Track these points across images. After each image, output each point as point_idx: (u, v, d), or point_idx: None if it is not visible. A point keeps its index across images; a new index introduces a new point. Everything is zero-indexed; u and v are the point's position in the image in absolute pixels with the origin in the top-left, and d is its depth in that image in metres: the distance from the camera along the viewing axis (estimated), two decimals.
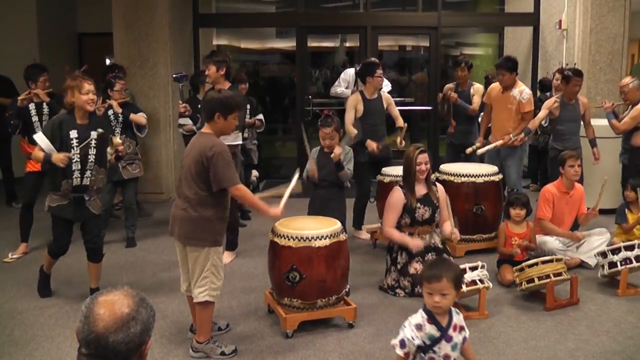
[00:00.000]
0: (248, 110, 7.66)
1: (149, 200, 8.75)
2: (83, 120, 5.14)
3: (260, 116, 7.79)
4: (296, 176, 4.86)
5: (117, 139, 5.35)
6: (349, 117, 7.01)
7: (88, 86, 5.06)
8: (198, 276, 4.36)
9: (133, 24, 8.85)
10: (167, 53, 8.94)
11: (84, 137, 5.09)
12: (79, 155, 5.07)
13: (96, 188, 5.29)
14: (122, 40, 8.94)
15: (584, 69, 8.94)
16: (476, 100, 7.81)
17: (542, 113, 7.39)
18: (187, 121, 7.14)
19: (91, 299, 1.95)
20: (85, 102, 5.05)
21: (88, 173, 5.15)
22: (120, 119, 6.85)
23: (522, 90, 7.30)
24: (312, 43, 11.84)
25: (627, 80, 7.50)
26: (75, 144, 5.06)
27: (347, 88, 9.19)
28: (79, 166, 5.09)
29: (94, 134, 5.14)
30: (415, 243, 5.49)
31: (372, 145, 6.84)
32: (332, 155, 5.71)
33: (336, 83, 9.31)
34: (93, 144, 5.14)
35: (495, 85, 7.53)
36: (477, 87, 7.93)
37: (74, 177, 5.09)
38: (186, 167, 4.36)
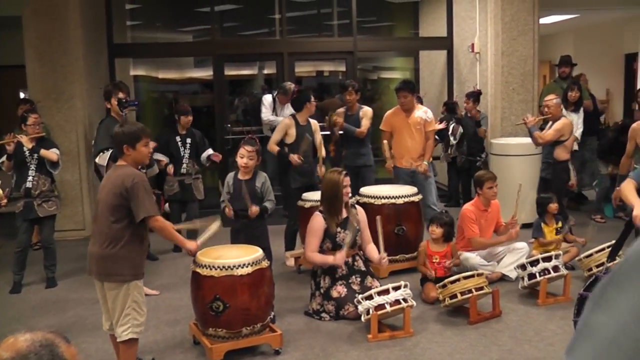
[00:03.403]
0: (189, 144, 7.60)
1: (70, 238, 8.49)
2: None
3: (210, 151, 7.73)
4: (217, 224, 4.84)
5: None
6: (275, 138, 7.07)
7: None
8: (120, 314, 4.25)
9: (46, 55, 8.64)
10: (83, 85, 8.75)
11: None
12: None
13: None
14: (35, 73, 8.69)
15: (497, 90, 9.27)
16: (365, 123, 7.75)
17: (630, 146, 6.73)
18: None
19: (8, 337, 1.84)
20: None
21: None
22: (36, 155, 6.64)
23: (426, 110, 7.56)
24: (231, 71, 11.84)
25: (552, 96, 7.77)
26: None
27: (271, 114, 9.19)
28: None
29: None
30: (337, 259, 5.48)
31: (293, 157, 6.87)
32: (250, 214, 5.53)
33: (264, 110, 9.26)
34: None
35: (393, 112, 7.67)
36: (365, 110, 7.87)
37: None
38: (102, 201, 4.27)
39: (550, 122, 7.64)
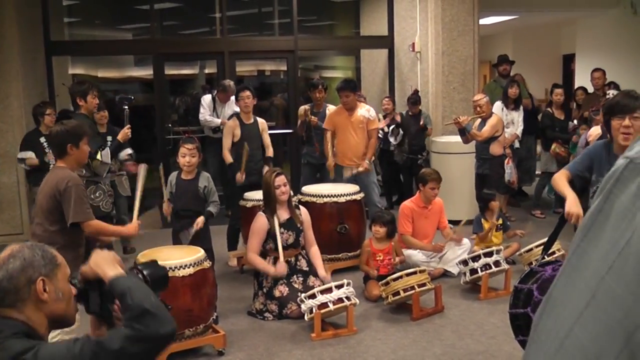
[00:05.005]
0: (109, 142, 7.41)
1: (7, 243, 8.21)
2: None
3: (129, 150, 7.55)
4: (143, 168, 4.74)
5: None
6: (227, 143, 7.00)
7: None
8: None
9: None
10: (19, 84, 8.49)
11: None
12: None
13: None
14: None
15: (438, 89, 9.36)
16: None
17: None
18: (28, 154, 6.87)
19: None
20: None
21: None
22: None
23: (369, 109, 7.59)
24: (172, 71, 11.69)
25: (480, 95, 7.96)
26: None
27: (209, 114, 9.09)
28: None
29: None
30: (277, 272, 5.47)
31: (238, 178, 6.86)
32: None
33: (202, 110, 9.16)
34: None
35: (336, 111, 7.67)
36: (332, 109, 7.98)
37: None
38: (38, 203, 4.19)
39: (480, 120, 7.80)
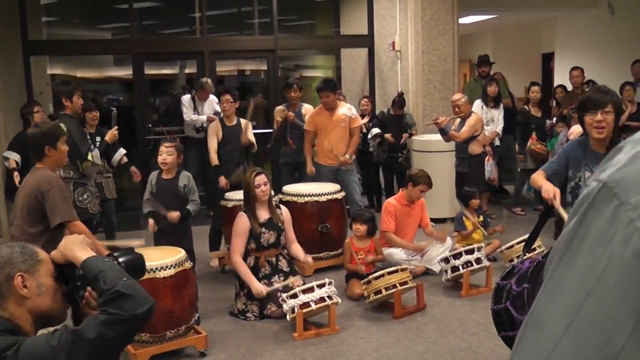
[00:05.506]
0: (98, 143, 7.35)
1: None
2: None
3: (123, 150, 7.47)
4: (139, 242, 4.73)
5: None
6: (212, 145, 6.96)
7: None
8: None
9: None
10: None
11: None
12: None
13: None
14: None
15: (418, 88, 9.38)
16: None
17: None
18: (13, 155, 6.82)
19: None
20: None
21: None
22: None
23: (350, 107, 7.62)
24: (152, 70, 11.60)
25: (459, 95, 7.97)
26: None
27: (193, 113, 9.06)
28: None
29: None
30: (257, 290, 5.38)
31: (221, 181, 6.82)
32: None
33: (185, 110, 9.09)
34: None
35: (316, 111, 7.67)
36: (307, 108, 7.97)
37: None
38: (18, 204, 4.15)
39: (460, 120, 7.83)
